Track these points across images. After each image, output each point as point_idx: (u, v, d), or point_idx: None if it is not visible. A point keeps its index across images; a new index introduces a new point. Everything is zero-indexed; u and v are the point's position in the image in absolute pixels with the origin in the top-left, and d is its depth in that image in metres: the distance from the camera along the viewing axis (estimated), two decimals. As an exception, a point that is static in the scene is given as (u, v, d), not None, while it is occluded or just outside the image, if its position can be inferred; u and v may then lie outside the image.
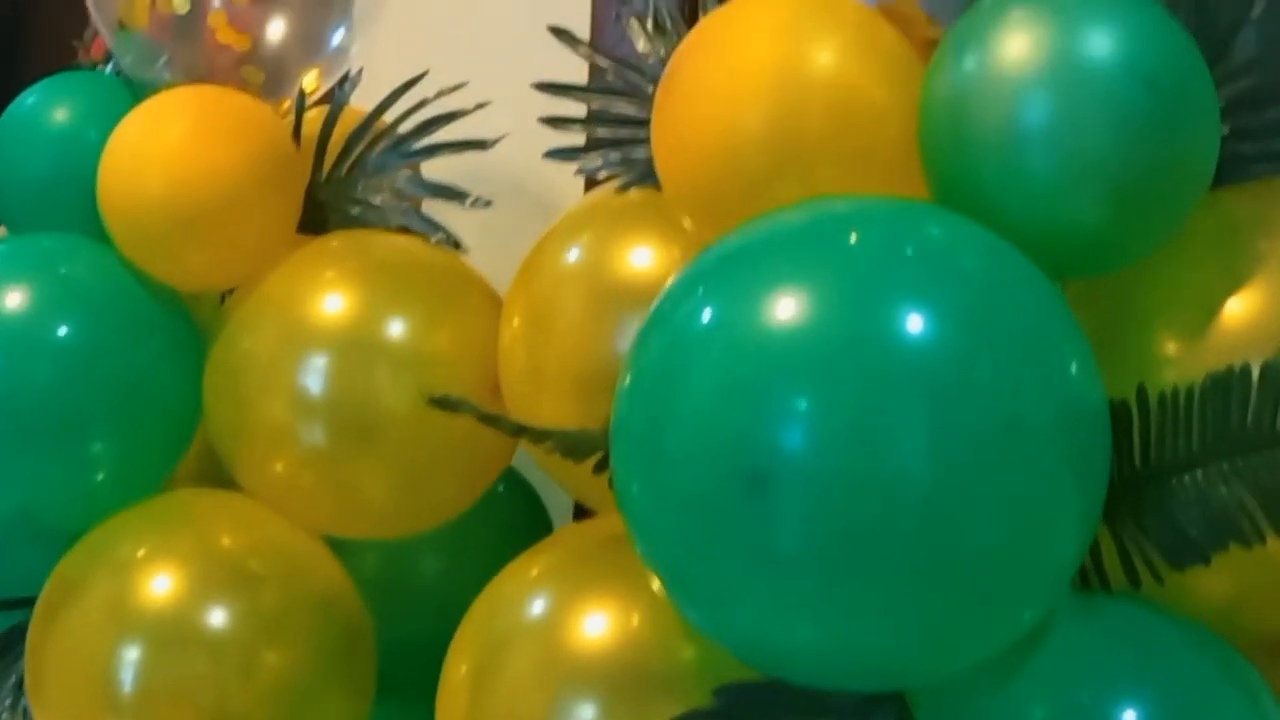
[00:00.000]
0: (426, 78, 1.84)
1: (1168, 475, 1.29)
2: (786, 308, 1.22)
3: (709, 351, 1.23)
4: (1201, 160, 1.32)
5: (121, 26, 1.80)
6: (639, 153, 1.61)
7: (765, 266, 1.27)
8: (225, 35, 1.78)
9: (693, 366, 1.24)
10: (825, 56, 1.40)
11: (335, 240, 1.79)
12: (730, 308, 1.25)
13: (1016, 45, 1.32)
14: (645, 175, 1.59)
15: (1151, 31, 1.32)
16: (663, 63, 1.61)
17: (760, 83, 1.39)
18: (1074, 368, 1.25)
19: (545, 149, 1.70)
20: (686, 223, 1.45)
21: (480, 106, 1.81)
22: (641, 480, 1.27)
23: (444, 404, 1.40)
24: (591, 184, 2.09)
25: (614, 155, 1.61)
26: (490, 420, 1.44)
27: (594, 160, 1.62)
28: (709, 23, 1.46)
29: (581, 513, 1.91)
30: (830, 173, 1.38)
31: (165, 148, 1.72)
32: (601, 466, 1.43)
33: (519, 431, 1.40)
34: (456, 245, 1.78)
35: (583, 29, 2.15)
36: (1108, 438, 1.27)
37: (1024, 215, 1.30)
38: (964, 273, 1.26)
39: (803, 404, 1.19)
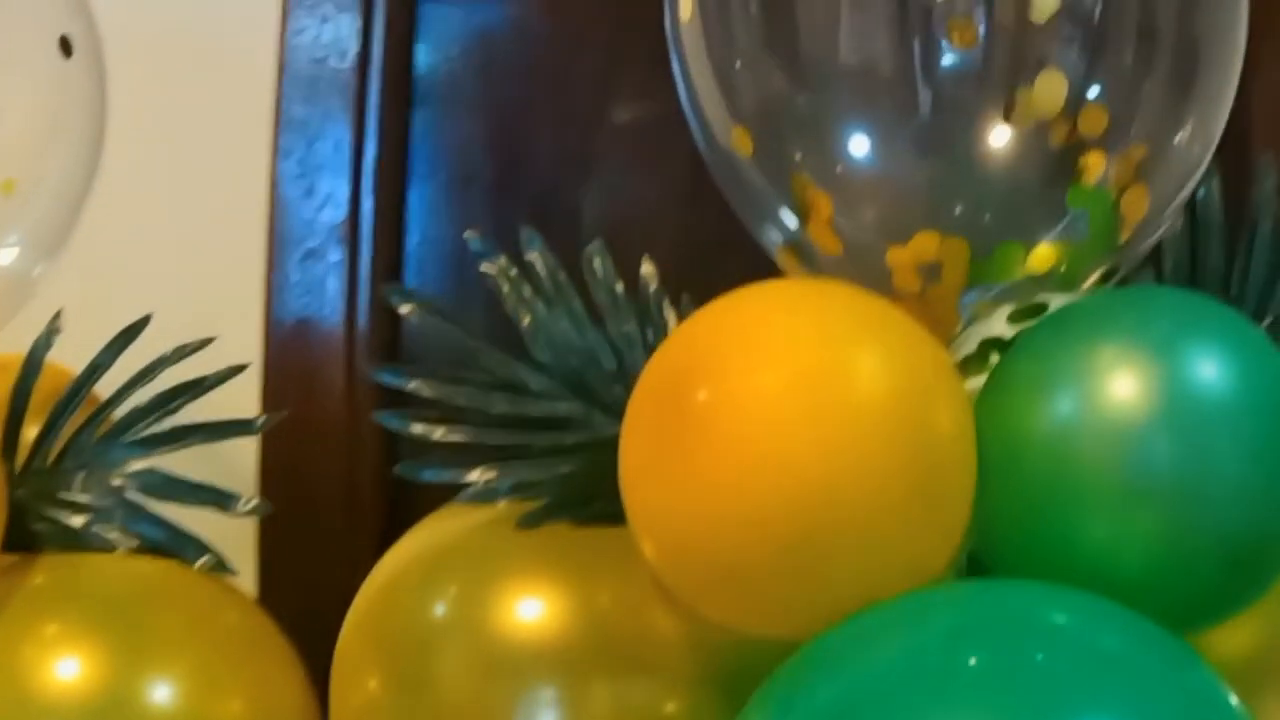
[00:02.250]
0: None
1: None
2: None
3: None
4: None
5: None
6: (532, 473, 1.23)
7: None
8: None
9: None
10: (890, 377, 1.10)
11: (44, 573, 1.28)
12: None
13: (1124, 385, 1.11)
14: (559, 507, 1.21)
15: (1258, 354, 1.15)
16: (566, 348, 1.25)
17: (855, 414, 1.08)
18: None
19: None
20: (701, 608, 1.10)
21: (237, 370, 1.35)
22: None
23: None
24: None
25: (504, 479, 1.22)
26: None
27: (474, 483, 1.22)
28: (720, 332, 1.11)
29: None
30: (894, 525, 1.09)
31: None
32: None
33: None
34: (223, 568, 1.32)
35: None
36: None
37: (1137, 575, 1.10)
38: (1111, 660, 1.04)
39: None
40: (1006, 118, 1.11)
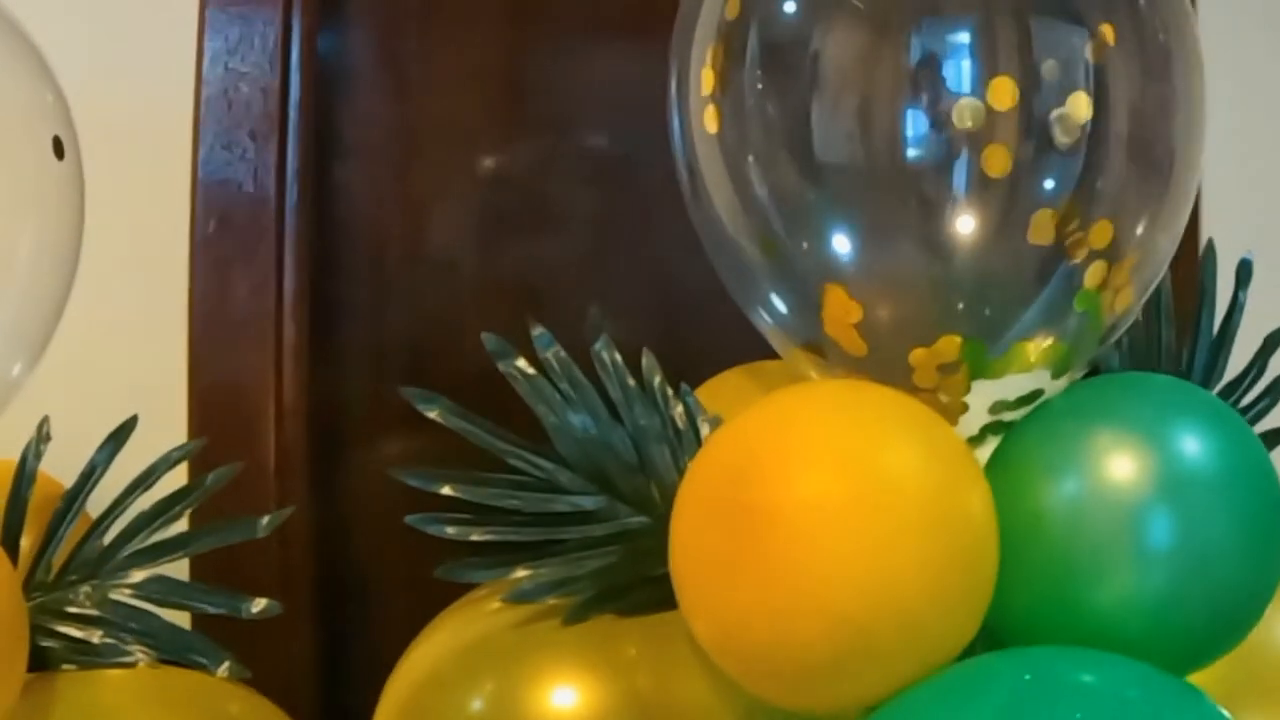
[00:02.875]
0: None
1: None
2: None
3: None
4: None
5: None
6: (568, 569, 1.26)
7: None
8: None
9: None
10: (935, 473, 1.18)
11: (67, 693, 1.25)
12: None
13: (1123, 466, 1.22)
14: (599, 600, 1.25)
15: (1238, 433, 1.27)
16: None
17: (908, 511, 1.15)
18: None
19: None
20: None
21: (233, 470, 1.34)
22: None
23: None
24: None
25: (542, 573, 1.24)
26: None
27: (521, 582, 1.24)
28: (770, 434, 1.17)
29: None
30: (944, 610, 1.17)
31: None
32: None
33: None
34: (243, 674, 1.31)
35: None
36: None
37: (1141, 632, 1.21)
38: (1137, 708, 1.14)
39: None
40: (1030, 233, 1.19)
